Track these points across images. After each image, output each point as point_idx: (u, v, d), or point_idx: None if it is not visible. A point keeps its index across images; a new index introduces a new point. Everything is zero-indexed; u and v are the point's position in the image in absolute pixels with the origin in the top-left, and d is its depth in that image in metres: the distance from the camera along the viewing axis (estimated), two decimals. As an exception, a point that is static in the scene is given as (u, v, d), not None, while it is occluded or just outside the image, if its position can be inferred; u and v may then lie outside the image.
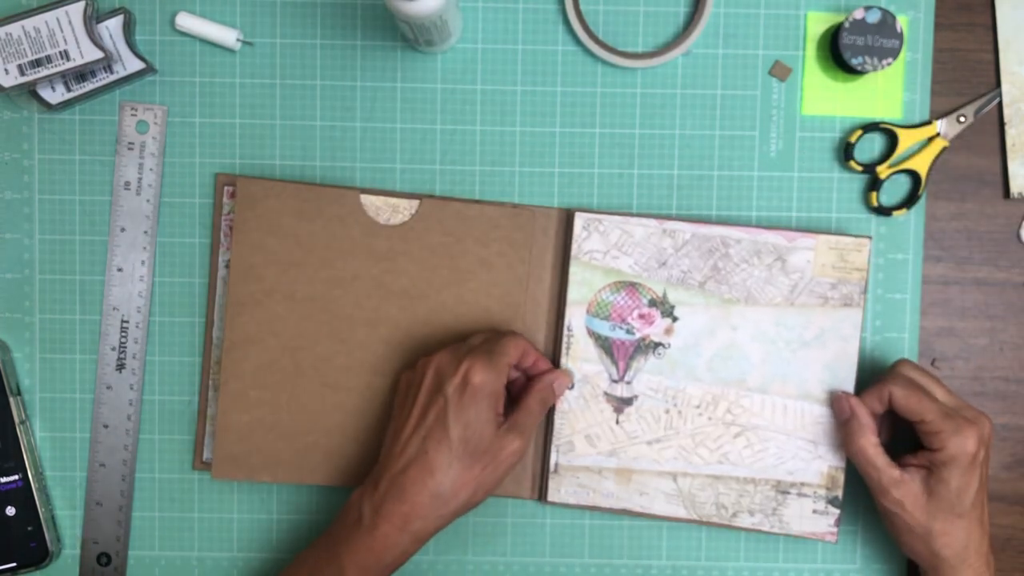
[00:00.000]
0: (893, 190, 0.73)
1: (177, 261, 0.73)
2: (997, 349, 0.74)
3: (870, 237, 0.70)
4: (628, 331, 0.70)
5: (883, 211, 0.72)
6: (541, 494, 0.72)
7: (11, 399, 0.71)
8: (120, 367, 0.73)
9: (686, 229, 0.70)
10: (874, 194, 0.72)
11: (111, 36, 0.70)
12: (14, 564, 0.71)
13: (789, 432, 0.70)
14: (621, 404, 0.71)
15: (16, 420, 0.71)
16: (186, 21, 0.71)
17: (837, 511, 0.70)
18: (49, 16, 0.67)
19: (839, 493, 0.70)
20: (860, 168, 0.72)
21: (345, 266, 0.71)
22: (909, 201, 0.72)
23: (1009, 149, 0.73)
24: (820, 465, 0.70)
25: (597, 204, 0.73)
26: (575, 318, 0.70)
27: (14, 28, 0.67)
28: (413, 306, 0.71)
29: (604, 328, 0.70)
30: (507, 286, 0.71)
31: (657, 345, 0.70)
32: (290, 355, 0.71)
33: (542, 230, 0.71)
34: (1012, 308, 0.74)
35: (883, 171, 0.72)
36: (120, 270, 0.72)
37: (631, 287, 0.70)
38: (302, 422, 0.71)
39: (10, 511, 0.71)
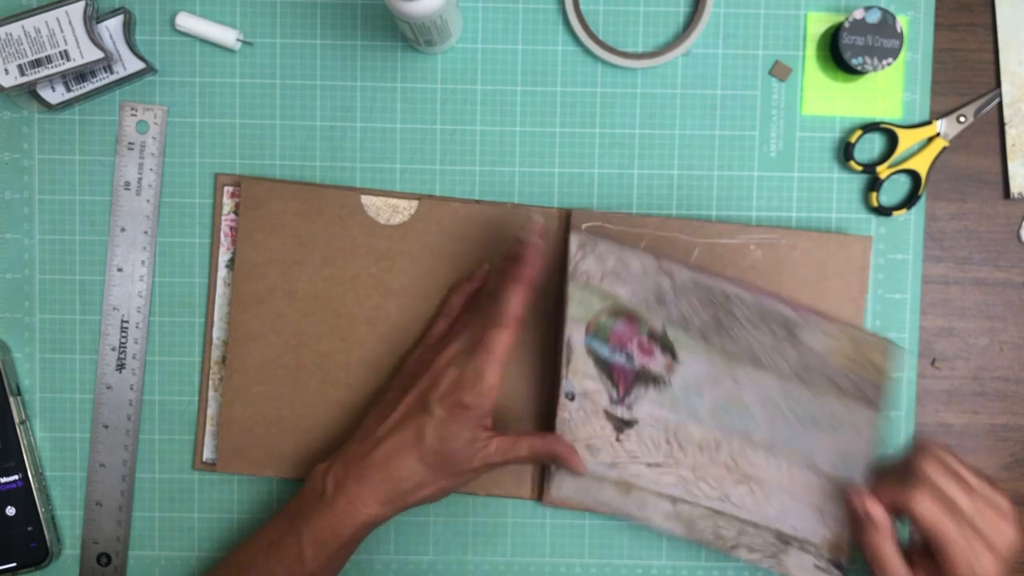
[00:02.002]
0: (893, 190, 0.73)
1: (177, 261, 0.73)
2: (997, 349, 0.74)
3: (889, 340, 0.64)
4: (628, 358, 0.66)
5: (883, 211, 0.72)
6: (541, 495, 0.72)
7: (11, 399, 0.71)
8: (120, 367, 0.73)
9: (685, 276, 0.65)
10: (874, 194, 0.72)
11: (111, 36, 0.70)
12: (14, 564, 0.71)
13: (794, 495, 0.66)
14: (621, 424, 0.67)
15: (16, 420, 0.71)
16: (186, 21, 0.71)
17: (840, 573, 0.66)
18: (49, 16, 0.67)
19: (843, 559, 0.66)
20: (860, 168, 0.72)
21: (345, 265, 0.71)
22: (909, 201, 0.72)
23: (1009, 149, 0.73)
24: (825, 531, 0.66)
25: (597, 204, 0.73)
26: (575, 335, 0.66)
27: (14, 28, 0.67)
28: (412, 305, 0.71)
29: (604, 351, 0.66)
30: (507, 286, 0.71)
31: (658, 378, 0.66)
32: (291, 352, 0.71)
33: (542, 230, 0.72)
34: (1012, 308, 0.74)
35: (883, 171, 0.72)
36: (120, 270, 0.72)
37: (629, 316, 0.66)
38: (303, 418, 0.72)
39: (10, 511, 0.71)
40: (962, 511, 0.60)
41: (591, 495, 0.69)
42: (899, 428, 0.73)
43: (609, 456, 0.67)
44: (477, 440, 0.64)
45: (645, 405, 0.66)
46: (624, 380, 0.66)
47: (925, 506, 0.60)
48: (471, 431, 0.63)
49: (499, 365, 0.62)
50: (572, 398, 0.68)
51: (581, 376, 0.67)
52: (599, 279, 0.66)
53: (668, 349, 0.66)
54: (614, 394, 0.67)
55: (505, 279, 0.63)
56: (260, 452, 0.72)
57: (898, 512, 0.62)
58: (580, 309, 0.66)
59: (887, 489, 0.62)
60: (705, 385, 0.66)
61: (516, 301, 0.62)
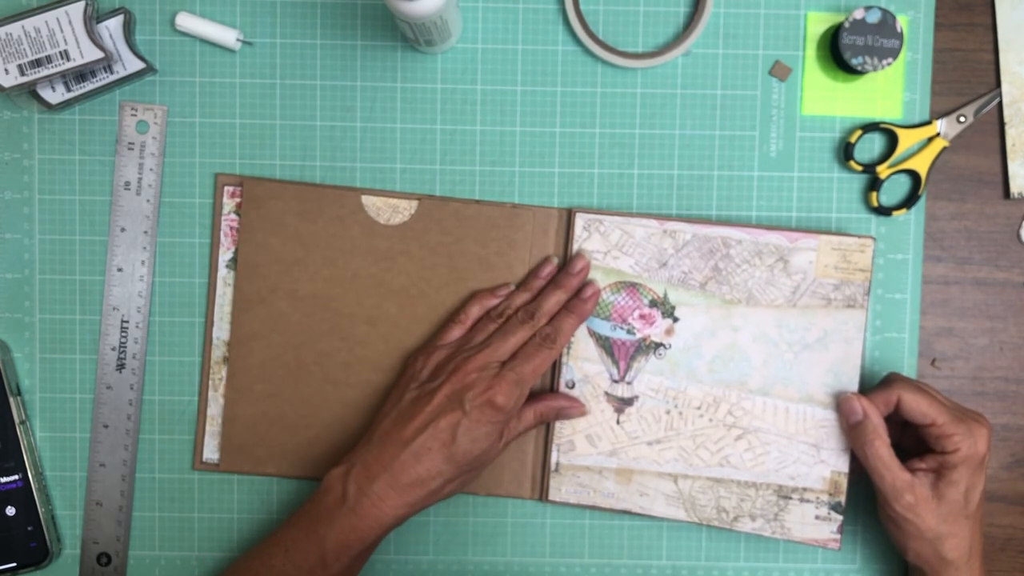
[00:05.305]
0: (893, 190, 0.73)
1: (177, 261, 0.73)
2: (997, 349, 0.74)
3: (873, 238, 0.69)
4: (629, 331, 0.70)
5: (883, 211, 0.72)
6: (542, 494, 0.72)
7: (11, 399, 0.71)
8: (120, 367, 0.73)
9: (686, 229, 0.69)
10: (874, 194, 0.72)
11: (111, 36, 0.70)
12: (14, 564, 0.71)
13: (791, 436, 0.70)
14: (622, 404, 0.70)
15: (16, 420, 0.71)
16: (186, 21, 0.71)
17: (840, 518, 0.70)
18: (49, 16, 0.67)
19: (842, 499, 0.69)
20: (860, 168, 0.72)
21: (346, 265, 0.71)
22: (909, 201, 0.72)
23: (1009, 149, 0.73)
24: (822, 470, 0.70)
25: (597, 204, 0.73)
26: None
27: (14, 28, 0.67)
28: (412, 305, 0.71)
29: (605, 328, 0.70)
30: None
31: (658, 345, 0.70)
32: (293, 351, 0.71)
33: (542, 230, 0.72)
34: (1012, 308, 0.74)
35: (883, 171, 0.72)
36: (120, 270, 0.72)
37: (632, 287, 0.70)
38: (304, 416, 0.72)
39: (10, 511, 0.71)
40: (943, 401, 0.66)
41: (591, 490, 0.71)
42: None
43: (609, 443, 0.71)
44: (501, 440, 0.67)
45: (645, 377, 0.70)
46: (625, 355, 0.70)
47: (914, 396, 0.65)
48: (497, 431, 0.66)
49: (535, 377, 0.66)
50: (572, 386, 0.71)
51: (581, 361, 0.70)
52: (603, 256, 0.70)
53: (669, 313, 0.70)
54: (615, 372, 0.70)
55: (560, 307, 0.69)
56: (262, 450, 0.72)
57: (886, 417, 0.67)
58: None
59: (875, 397, 0.67)
60: (704, 340, 0.70)
61: (569, 332, 0.68)
